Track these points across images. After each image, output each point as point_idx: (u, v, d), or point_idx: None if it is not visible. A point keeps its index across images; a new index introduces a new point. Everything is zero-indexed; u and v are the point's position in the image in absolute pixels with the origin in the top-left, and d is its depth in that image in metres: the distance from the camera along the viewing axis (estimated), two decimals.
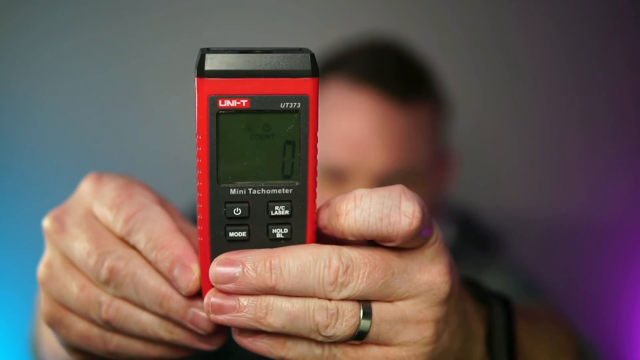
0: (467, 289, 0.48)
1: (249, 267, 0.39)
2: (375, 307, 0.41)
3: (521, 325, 0.53)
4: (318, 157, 0.41)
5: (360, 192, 0.41)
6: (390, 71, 1.01)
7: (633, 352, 1.46)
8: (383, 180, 0.95)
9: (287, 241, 0.41)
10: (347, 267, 0.39)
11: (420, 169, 0.99)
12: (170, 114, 1.37)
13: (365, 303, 0.41)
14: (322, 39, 1.14)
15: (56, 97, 1.36)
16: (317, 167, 0.42)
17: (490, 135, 1.46)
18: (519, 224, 1.44)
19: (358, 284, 0.40)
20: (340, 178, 0.96)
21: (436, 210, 1.05)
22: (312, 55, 0.40)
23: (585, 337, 0.83)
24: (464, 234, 1.10)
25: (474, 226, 1.15)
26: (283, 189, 0.41)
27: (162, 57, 1.36)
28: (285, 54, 0.39)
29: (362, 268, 0.40)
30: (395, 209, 0.40)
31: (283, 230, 0.41)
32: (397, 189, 0.40)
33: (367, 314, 0.41)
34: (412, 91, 1.00)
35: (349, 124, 0.97)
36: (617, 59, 1.45)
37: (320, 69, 1.02)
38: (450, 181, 1.12)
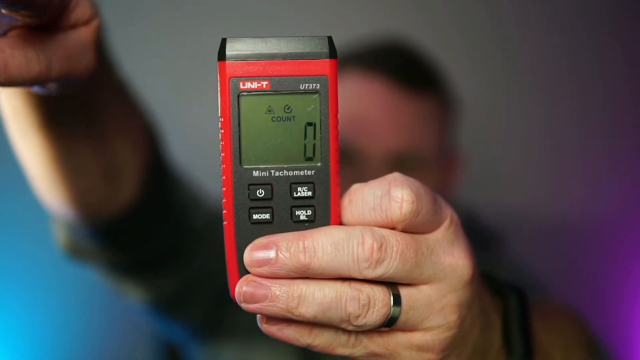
0: (481, 277, 0.48)
1: (282, 248, 0.40)
2: (404, 294, 0.41)
3: (535, 317, 0.53)
4: (339, 138, 0.42)
5: (355, 187, 0.42)
6: (401, 62, 1.04)
7: (634, 351, 1.46)
8: (393, 162, 0.97)
9: (310, 223, 0.41)
10: (381, 244, 0.40)
11: (427, 159, 1.01)
12: (173, 113, 1.38)
13: (394, 289, 0.41)
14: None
15: None
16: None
17: (491, 135, 1.46)
18: (519, 222, 1.45)
19: (392, 261, 0.40)
20: (352, 159, 0.97)
21: None
22: (330, 38, 0.41)
23: (596, 332, 0.83)
24: (468, 234, 1.10)
25: (475, 225, 1.15)
26: (305, 171, 0.41)
27: (166, 57, 1.37)
28: (304, 37, 0.41)
29: (395, 245, 0.40)
30: (385, 197, 0.40)
31: (306, 212, 0.41)
32: (388, 177, 0.42)
33: (397, 302, 0.41)
34: (421, 82, 1.03)
35: (359, 107, 1.00)
36: (616, 59, 1.47)
37: None
38: (456, 181, 1.12)
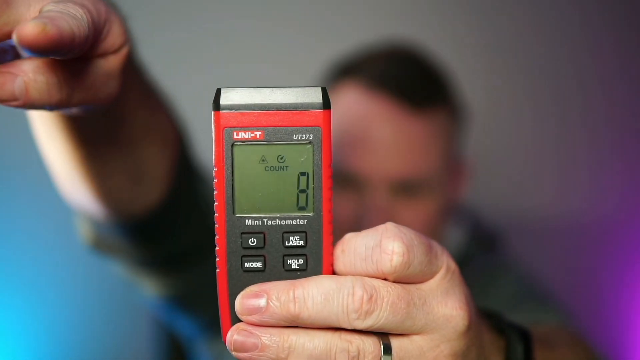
0: (484, 320, 0.48)
1: (273, 297, 0.40)
2: (395, 344, 0.41)
3: (539, 355, 0.53)
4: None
5: (348, 237, 0.42)
6: (407, 78, 1.00)
7: (634, 352, 1.47)
8: (399, 187, 0.95)
9: (302, 272, 0.42)
10: (372, 296, 0.40)
11: (434, 177, 0.98)
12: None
13: (384, 339, 0.41)
14: (339, 45, 1.15)
15: None
16: (332, 196, 0.42)
17: (495, 138, 1.47)
18: (523, 224, 1.45)
19: (382, 313, 0.40)
20: (357, 185, 0.95)
21: (449, 217, 1.05)
22: (324, 89, 0.41)
23: (604, 356, 0.82)
24: (473, 236, 1.09)
25: (482, 228, 1.14)
26: (298, 220, 0.41)
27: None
28: (297, 88, 0.41)
29: (385, 297, 0.40)
30: (377, 249, 0.41)
31: (298, 261, 0.41)
32: (380, 228, 0.42)
33: (388, 352, 0.41)
34: (428, 99, 0.99)
35: (362, 127, 0.97)
36: (617, 64, 1.47)
37: (337, 74, 1.03)
38: (464, 189, 1.11)
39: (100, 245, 0.79)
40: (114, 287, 1.29)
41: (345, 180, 0.96)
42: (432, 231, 0.99)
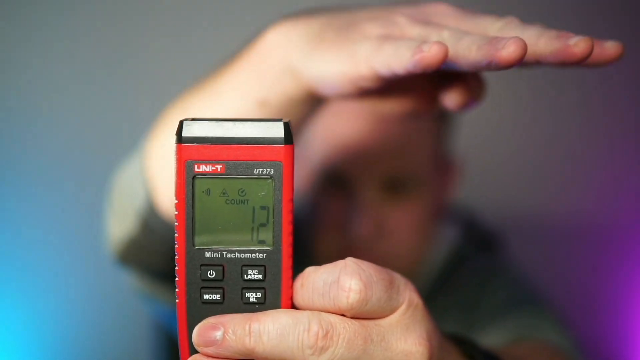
0: (454, 347, 0.48)
1: (229, 330, 0.40)
2: None
3: None
4: (294, 222, 0.42)
5: (307, 271, 0.42)
6: None
7: (634, 353, 1.47)
8: (387, 186, 0.94)
9: (261, 305, 0.42)
10: (327, 332, 0.40)
11: (422, 176, 0.98)
12: None
13: None
14: None
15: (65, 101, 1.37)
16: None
17: (491, 136, 1.46)
18: (519, 224, 1.45)
19: (337, 349, 0.40)
20: (345, 184, 0.95)
21: (440, 216, 1.05)
22: (286, 124, 0.41)
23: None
24: (468, 236, 1.09)
25: (478, 227, 1.14)
26: (257, 254, 0.41)
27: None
28: (260, 122, 0.41)
29: (342, 333, 0.40)
30: (334, 285, 0.41)
31: (257, 295, 0.42)
32: (339, 264, 0.41)
33: None
34: None
35: (350, 130, 0.96)
36: (617, 63, 1.47)
37: None
38: (454, 187, 1.11)
39: (128, 256, 0.78)
40: (120, 295, 1.30)
41: (333, 179, 0.95)
42: (421, 231, 0.99)
